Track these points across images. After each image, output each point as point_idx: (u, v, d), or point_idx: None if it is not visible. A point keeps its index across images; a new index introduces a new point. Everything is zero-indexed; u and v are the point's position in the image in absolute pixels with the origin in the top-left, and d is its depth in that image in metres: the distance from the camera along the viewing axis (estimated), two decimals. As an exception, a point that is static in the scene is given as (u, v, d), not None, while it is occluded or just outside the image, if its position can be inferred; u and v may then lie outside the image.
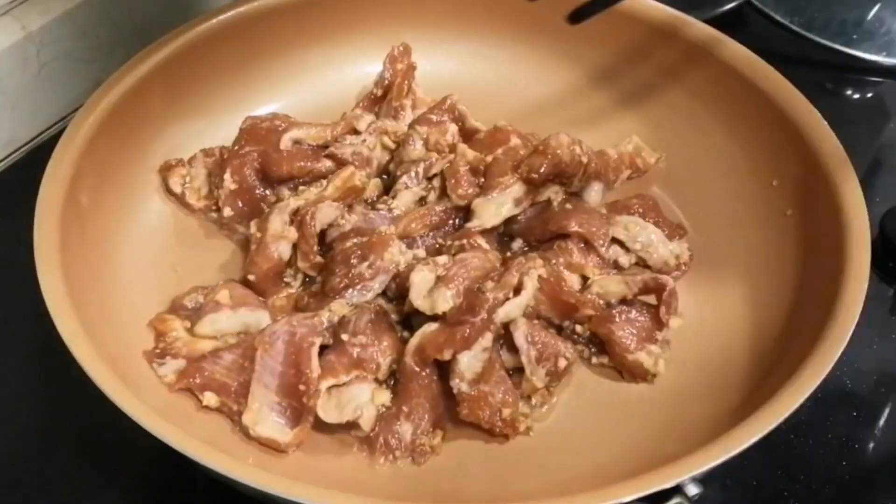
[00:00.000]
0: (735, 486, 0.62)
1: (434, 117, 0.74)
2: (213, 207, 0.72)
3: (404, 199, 0.70)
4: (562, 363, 0.61)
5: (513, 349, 0.61)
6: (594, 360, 0.64)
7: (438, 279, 0.61)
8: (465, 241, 0.66)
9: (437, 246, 0.68)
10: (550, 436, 0.60)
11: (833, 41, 0.91)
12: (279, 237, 0.66)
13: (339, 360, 0.59)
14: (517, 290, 0.61)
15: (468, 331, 0.58)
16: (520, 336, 0.60)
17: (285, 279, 0.68)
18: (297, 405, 0.58)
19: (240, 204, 0.71)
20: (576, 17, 0.65)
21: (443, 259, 0.64)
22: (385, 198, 0.71)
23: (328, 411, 0.58)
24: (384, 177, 0.74)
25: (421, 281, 0.61)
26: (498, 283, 0.61)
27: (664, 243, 0.69)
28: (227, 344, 0.62)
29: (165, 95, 0.74)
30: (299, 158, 0.71)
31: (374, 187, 0.72)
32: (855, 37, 0.92)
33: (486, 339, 0.59)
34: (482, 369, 0.59)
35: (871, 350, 0.69)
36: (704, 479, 0.51)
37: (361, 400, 0.59)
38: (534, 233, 0.68)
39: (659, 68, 0.79)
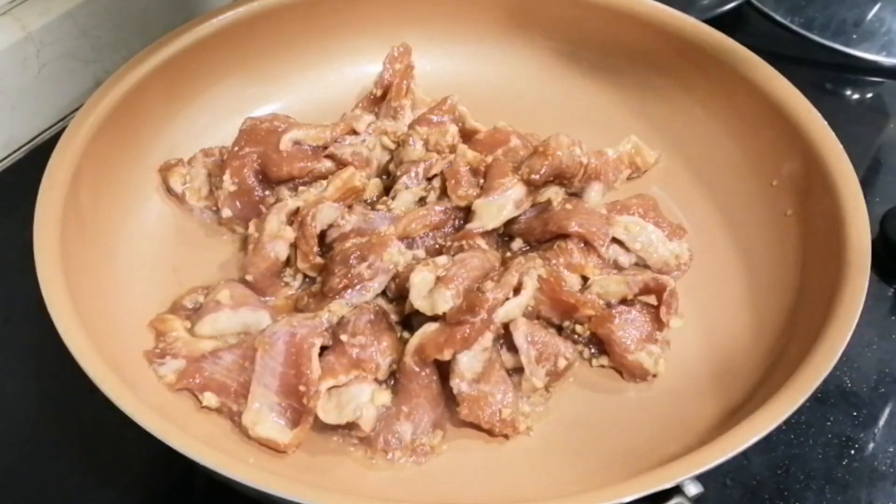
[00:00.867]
0: (735, 486, 0.62)
1: (434, 118, 0.73)
2: (214, 207, 0.72)
3: (404, 199, 0.70)
4: (562, 363, 0.61)
5: (513, 349, 0.61)
6: (594, 360, 0.64)
7: (438, 280, 0.61)
8: (464, 242, 0.66)
9: (437, 246, 0.68)
10: (550, 436, 0.60)
11: (833, 41, 0.91)
12: (276, 237, 0.66)
13: (338, 360, 0.59)
14: (517, 290, 0.61)
15: (468, 331, 0.58)
16: (520, 336, 0.60)
17: (285, 279, 0.68)
18: (297, 406, 0.58)
19: (239, 205, 0.71)
20: None
21: (442, 260, 0.64)
22: (385, 198, 0.71)
23: (328, 412, 0.58)
24: (384, 177, 0.74)
25: (421, 282, 0.61)
26: (498, 284, 0.61)
27: (664, 243, 0.69)
28: (227, 344, 0.63)
29: (165, 95, 0.74)
30: (299, 159, 0.71)
31: (373, 188, 0.72)
32: (855, 37, 0.92)
33: (486, 339, 0.59)
34: (482, 369, 0.59)
35: (871, 350, 0.70)
36: (704, 479, 0.51)
37: (361, 400, 0.59)
38: (534, 233, 0.68)
39: (659, 68, 0.79)
